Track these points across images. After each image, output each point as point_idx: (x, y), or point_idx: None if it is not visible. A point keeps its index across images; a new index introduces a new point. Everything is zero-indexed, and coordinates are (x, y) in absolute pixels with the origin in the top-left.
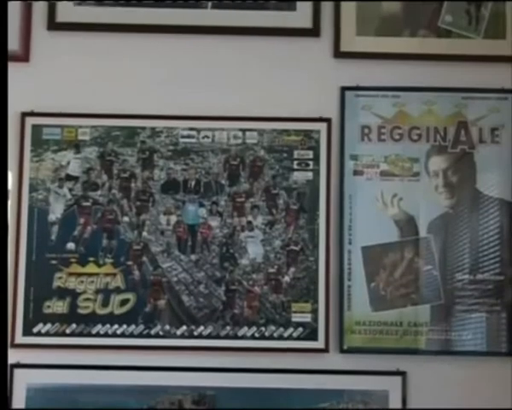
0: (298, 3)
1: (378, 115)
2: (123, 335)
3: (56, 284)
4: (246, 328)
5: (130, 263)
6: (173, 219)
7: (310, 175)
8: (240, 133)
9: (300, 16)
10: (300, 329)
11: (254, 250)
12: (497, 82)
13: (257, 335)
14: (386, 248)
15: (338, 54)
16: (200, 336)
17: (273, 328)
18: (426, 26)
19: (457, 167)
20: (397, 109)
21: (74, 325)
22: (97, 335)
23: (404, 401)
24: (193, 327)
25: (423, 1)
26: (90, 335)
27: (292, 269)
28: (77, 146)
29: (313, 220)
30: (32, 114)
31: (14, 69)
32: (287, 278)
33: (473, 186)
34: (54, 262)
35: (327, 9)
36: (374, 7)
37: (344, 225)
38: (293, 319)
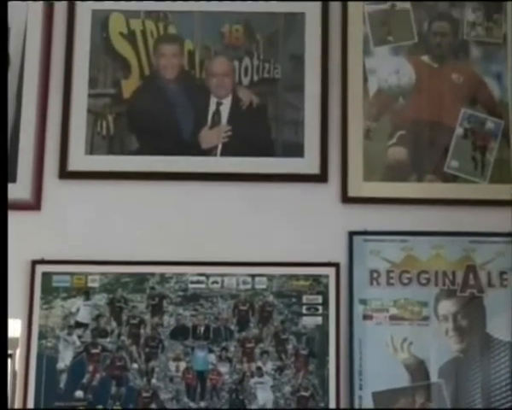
0: (306, 150)
1: (386, 260)
2: None
3: None
4: None
5: None
6: (182, 365)
7: (319, 320)
8: (249, 279)
9: (308, 162)
10: None
11: (264, 396)
12: (503, 226)
13: None
14: (397, 394)
15: (346, 199)
16: None
17: None
18: (432, 171)
19: (467, 311)
20: (405, 254)
21: None
22: None
23: None
24: None
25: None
26: None
27: None
28: (86, 293)
29: (323, 366)
30: (42, 261)
31: (25, 218)
32: None
33: (483, 330)
34: None
35: (334, 155)
36: (380, 154)
37: (354, 371)
38: None
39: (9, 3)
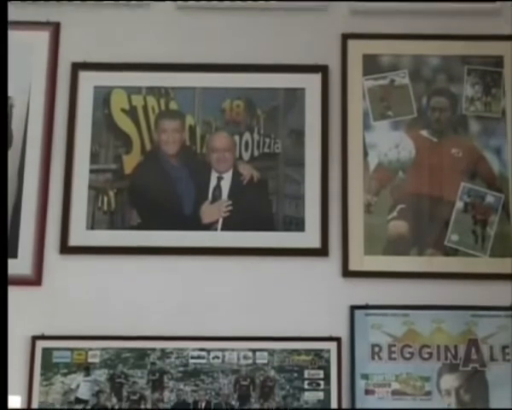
0: (306, 224)
1: (388, 334)
2: None
3: None
4: None
5: None
6: None
7: (321, 395)
8: (250, 353)
9: (309, 237)
10: None
11: None
12: (504, 300)
13: None
14: None
15: (347, 273)
16: None
17: None
18: (433, 245)
19: (469, 386)
20: (407, 328)
21: None
22: None
23: None
24: None
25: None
26: None
27: None
28: (87, 369)
29: None
30: (43, 337)
31: (25, 293)
32: None
33: (486, 405)
34: None
35: (335, 229)
36: (381, 227)
37: None
38: None
39: (13, 81)
